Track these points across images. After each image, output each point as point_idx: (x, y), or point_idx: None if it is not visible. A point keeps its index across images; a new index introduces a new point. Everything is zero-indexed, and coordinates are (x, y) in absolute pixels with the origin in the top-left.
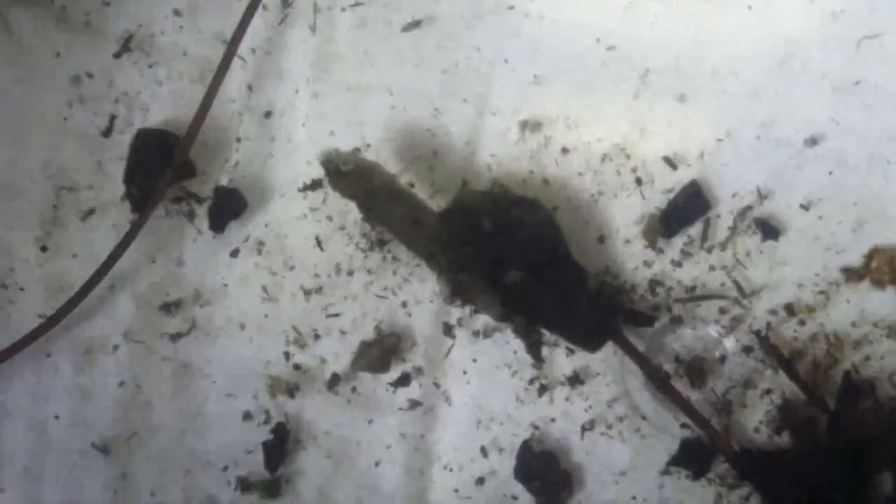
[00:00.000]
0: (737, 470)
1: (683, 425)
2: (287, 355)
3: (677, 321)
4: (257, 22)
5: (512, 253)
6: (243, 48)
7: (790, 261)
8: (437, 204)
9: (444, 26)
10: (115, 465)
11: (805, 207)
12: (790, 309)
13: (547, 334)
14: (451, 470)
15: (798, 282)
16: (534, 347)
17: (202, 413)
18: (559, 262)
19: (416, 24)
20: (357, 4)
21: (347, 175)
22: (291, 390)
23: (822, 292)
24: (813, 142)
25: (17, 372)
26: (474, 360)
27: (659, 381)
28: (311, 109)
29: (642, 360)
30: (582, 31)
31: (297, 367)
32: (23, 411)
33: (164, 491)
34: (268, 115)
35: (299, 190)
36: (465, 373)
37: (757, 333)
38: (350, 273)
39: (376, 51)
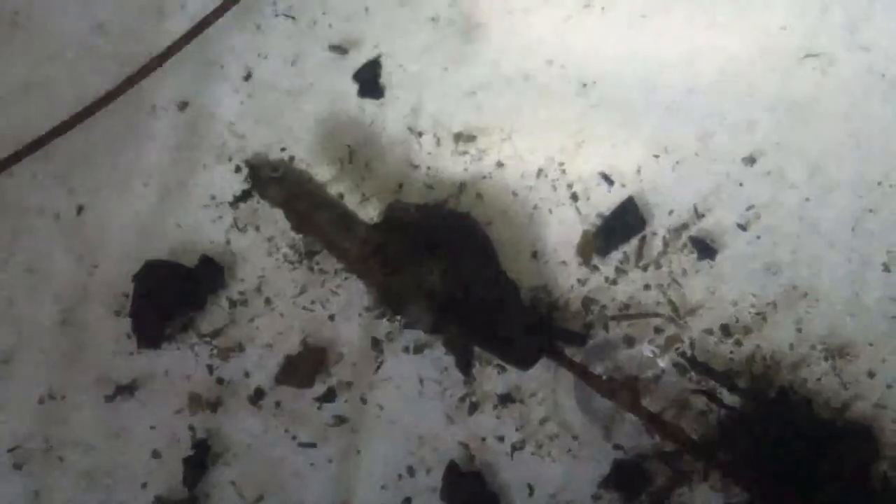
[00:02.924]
0: (701, 458)
1: (616, 446)
2: (210, 368)
3: (611, 340)
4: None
5: (443, 267)
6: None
7: (727, 280)
8: (367, 214)
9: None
10: (28, 480)
11: (742, 227)
12: (726, 329)
13: (478, 351)
14: (377, 489)
15: (735, 301)
16: (464, 363)
17: (121, 427)
18: (491, 278)
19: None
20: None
21: (276, 182)
22: (213, 405)
23: (758, 313)
24: (751, 160)
25: None
26: (403, 377)
27: (605, 390)
28: (240, 113)
29: (583, 372)
30: (519, 43)
31: (219, 380)
32: None
33: None
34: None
35: (230, 203)
36: (393, 389)
37: (683, 355)
38: (277, 285)
39: (307, 54)
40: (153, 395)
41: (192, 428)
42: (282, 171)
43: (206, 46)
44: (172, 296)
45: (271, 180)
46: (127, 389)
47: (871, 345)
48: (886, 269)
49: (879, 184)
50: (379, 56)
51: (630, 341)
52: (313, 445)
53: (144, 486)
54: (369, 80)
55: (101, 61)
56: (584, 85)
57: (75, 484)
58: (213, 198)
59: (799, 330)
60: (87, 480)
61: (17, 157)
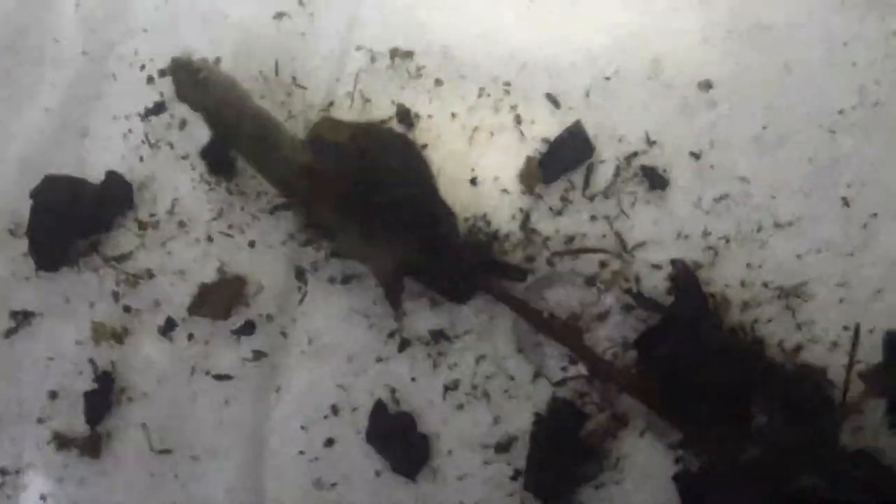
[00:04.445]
0: (644, 400)
1: (557, 383)
2: (116, 295)
3: (553, 275)
4: None
5: (374, 189)
6: None
7: (677, 212)
8: (294, 131)
9: None
10: None
11: (696, 155)
12: (675, 263)
13: (410, 283)
14: (297, 429)
15: (685, 235)
16: (394, 295)
17: (16, 357)
18: (426, 204)
19: None
20: None
21: (200, 84)
22: (119, 335)
23: (709, 247)
24: (707, 85)
25: None
26: (328, 310)
27: (546, 329)
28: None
29: (522, 308)
30: None
31: (126, 309)
32: None
33: None
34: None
35: (141, 117)
36: (317, 323)
37: (628, 291)
38: (191, 207)
39: None
40: (52, 324)
41: (92, 361)
42: (205, 73)
43: None
44: (75, 214)
45: (194, 83)
46: (23, 316)
47: (826, 284)
48: (845, 203)
49: (840, 112)
50: None
51: (573, 276)
52: (229, 378)
53: (40, 420)
54: None
55: None
56: (528, 5)
57: None
58: (123, 110)
59: (750, 266)
60: None
61: None
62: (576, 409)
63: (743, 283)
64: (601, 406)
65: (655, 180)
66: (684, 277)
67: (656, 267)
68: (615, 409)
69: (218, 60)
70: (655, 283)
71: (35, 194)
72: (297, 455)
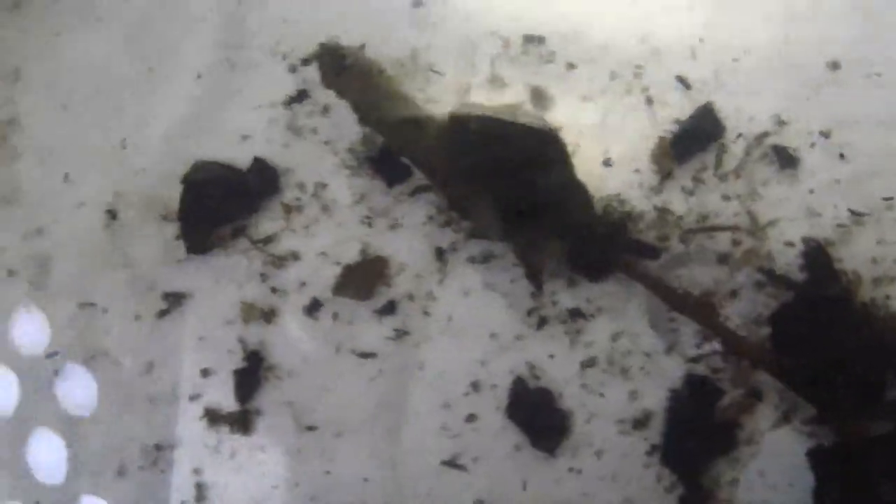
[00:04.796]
0: (778, 376)
1: (691, 360)
2: (263, 277)
3: (687, 253)
4: None
5: (511, 171)
6: None
7: (808, 190)
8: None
9: None
10: (69, 390)
11: (825, 135)
12: (808, 242)
13: (547, 262)
14: (439, 406)
15: (816, 213)
16: (534, 272)
17: (168, 338)
18: (562, 184)
19: None
20: None
21: (347, 70)
22: (267, 315)
23: (840, 225)
24: (835, 65)
25: None
26: (468, 289)
27: (680, 305)
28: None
29: (656, 286)
30: None
31: (273, 290)
32: None
33: (120, 419)
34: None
35: (285, 104)
36: (457, 302)
37: (761, 269)
38: (334, 191)
39: None
40: (202, 305)
41: (241, 340)
42: (351, 59)
43: None
44: (223, 199)
45: (341, 69)
46: (174, 297)
47: None
48: None
49: None
50: None
51: (706, 254)
52: (372, 356)
53: (193, 398)
54: None
55: None
56: None
57: (119, 396)
58: (267, 98)
59: (882, 243)
60: (131, 392)
61: None
62: (711, 384)
63: (874, 260)
64: (736, 382)
65: (786, 159)
66: (816, 255)
67: (788, 244)
68: (749, 384)
69: (362, 47)
70: (788, 261)
71: (185, 180)
72: (438, 430)
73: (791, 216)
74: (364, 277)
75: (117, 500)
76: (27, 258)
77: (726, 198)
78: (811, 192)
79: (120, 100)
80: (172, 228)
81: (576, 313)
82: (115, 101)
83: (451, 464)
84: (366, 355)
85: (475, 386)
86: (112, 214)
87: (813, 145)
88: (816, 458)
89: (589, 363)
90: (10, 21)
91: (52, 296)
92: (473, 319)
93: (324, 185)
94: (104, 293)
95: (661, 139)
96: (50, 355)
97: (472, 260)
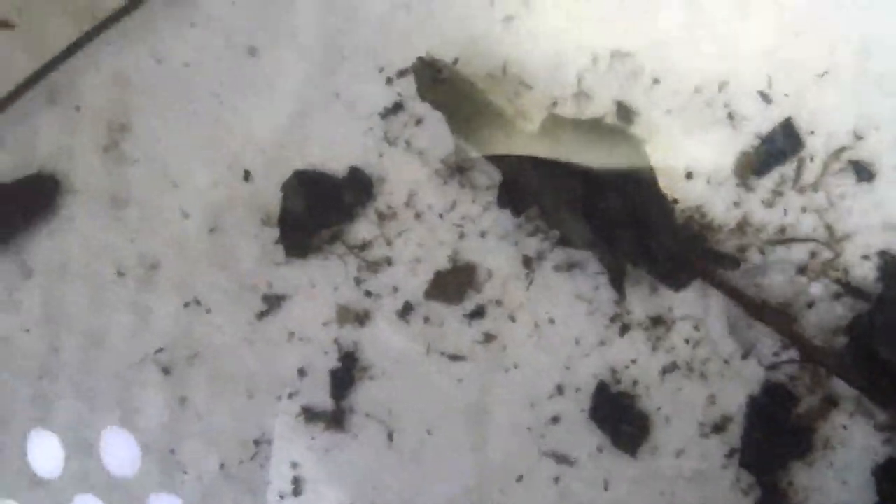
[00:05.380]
0: (853, 384)
1: (769, 367)
2: (357, 281)
3: (765, 264)
4: None
5: (597, 182)
6: None
7: (885, 204)
8: (523, 127)
9: None
10: (176, 385)
11: None
12: (884, 255)
13: (630, 271)
14: (524, 407)
15: (893, 227)
16: (617, 281)
17: (268, 337)
18: (646, 196)
19: None
20: None
21: (442, 83)
22: (361, 318)
23: None
24: None
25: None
26: (553, 295)
27: (758, 314)
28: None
29: (736, 294)
30: None
31: (367, 293)
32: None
33: (221, 415)
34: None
35: (381, 116)
36: (543, 307)
37: (837, 280)
38: (427, 199)
39: None
40: (300, 306)
41: (336, 341)
42: (446, 73)
43: None
44: (321, 206)
45: (436, 81)
46: (274, 299)
47: None
48: None
49: None
50: None
51: (785, 265)
52: (461, 358)
53: (290, 396)
54: None
55: None
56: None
57: (220, 392)
58: (364, 109)
59: None
60: (232, 389)
61: None
62: (788, 391)
63: None
64: (812, 389)
65: (863, 173)
66: (891, 267)
67: (865, 257)
68: (826, 391)
69: (456, 61)
70: (864, 273)
71: (285, 187)
72: (524, 431)
73: (867, 229)
74: (454, 283)
75: (217, 492)
76: (136, 259)
77: (805, 210)
78: (888, 205)
79: (224, 110)
80: (273, 233)
81: (657, 320)
82: (220, 111)
83: (555, 455)
84: (455, 357)
85: (560, 388)
86: (216, 219)
87: (890, 160)
88: (879, 474)
89: (669, 368)
90: (122, 28)
91: (158, 295)
92: (558, 325)
93: (416, 194)
94: (207, 293)
95: (742, 153)
96: (156, 352)
97: (557, 268)
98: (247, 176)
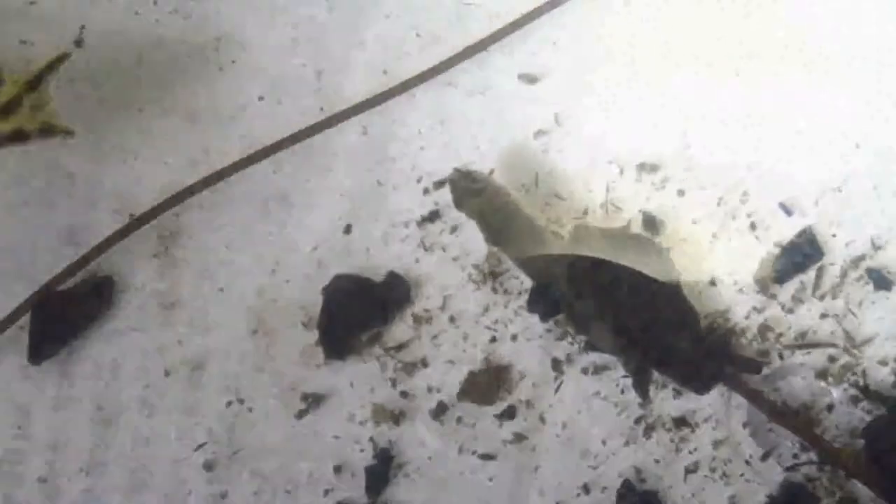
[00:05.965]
0: (871, 486)
1: (789, 468)
2: (393, 382)
3: (785, 368)
4: None
5: (625, 288)
6: None
7: None
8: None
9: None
10: (217, 481)
11: None
12: None
13: (655, 375)
14: None
15: None
16: (642, 384)
17: (306, 435)
18: (671, 302)
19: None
20: None
21: (477, 194)
22: (396, 417)
23: None
24: None
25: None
26: (581, 397)
27: (779, 417)
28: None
29: (757, 398)
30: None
31: (403, 394)
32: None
33: None
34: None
35: (418, 224)
36: (571, 409)
37: (856, 385)
38: (461, 304)
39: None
40: (338, 406)
41: (372, 440)
42: (482, 183)
43: None
44: (360, 309)
45: (471, 192)
46: (313, 399)
47: None
48: None
49: None
50: None
51: (804, 369)
52: (492, 458)
53: (327, 493)
54: None
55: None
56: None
57: (260, 487)
58: (402, 217)
59: None
60: (271, 485)
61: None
62: (807, 492)
63: None
64: (831, 490)
65: (881, 281)
66: None
67: (882, 363)
68: (844, 493)
69: (491, 172)
70: (882, 377)
71: (326, 291)
72: None
73: (885, 335)
74: (487, 384)
75: None
76: (183, 359)
77: (824, 316)
78: None
79: (270, 222)
80: (313, 335)
81: (681, 422)
82: (265, 223)
83: None
84: (486, 457)
85: (586, 488)
86: (259, 322)
87: None
88: None
89: (692, 468)
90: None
91: (204, 394)
92: (586, 426)
93: (451, 298)
94: (250, 393)
95: (764, 261)
96: (199, 446)
97: (585, 371)
98: (289, 281)
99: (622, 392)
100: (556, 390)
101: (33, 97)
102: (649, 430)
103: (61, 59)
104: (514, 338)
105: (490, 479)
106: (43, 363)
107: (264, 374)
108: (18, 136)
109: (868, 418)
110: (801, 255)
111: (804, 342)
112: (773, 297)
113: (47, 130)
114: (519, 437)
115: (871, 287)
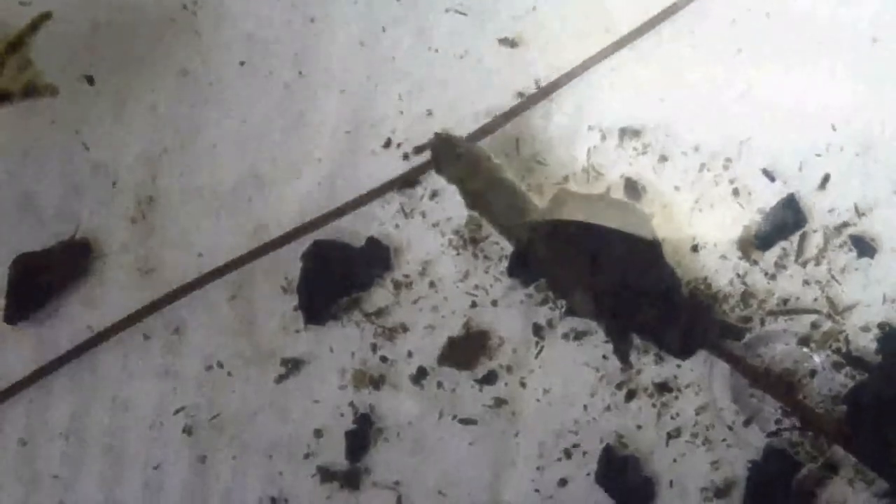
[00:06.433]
0: (853, 451)
1: (771, 434)
2: (374, 347)
3: (768, 334)
4: None
5: (605, 253)
6: None
7: (885, 279)
8: (535, 201)
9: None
10: (196, 445)
11: None
12: (883, 327)
13: (637, 340)
14: (533, 470)
15: (893, 299)
16: (623, 351)
17: (286, 400)
18: (653, 267)
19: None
20: None
21: (459, 158)
22: (377, 382)
23: None
24: None
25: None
26: (562, 363)
27: (761, 383)
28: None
29: (739, 364)
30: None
31: (383, 359)
32: (109, 388)
33: (240, 474)
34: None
35: (397, 189)
36: (552, 374)
37: (838, 351)
38: (441, 269)
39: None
40: (318, 371)
41: (353, 405)
42: (462, 149)
43: None
44: (339, 275)
45: (452, 157)
46: (293, 364)
47: None
48: None
49: None
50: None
51: (787, 336)
52: (474, 422)
53: (306, 457)
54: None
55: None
56: (748, 87)
57: (239, 452)
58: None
59: None
60: (250, 449)
61: None
62: (789, 457)
63: None
64: (813, 455)
65: (864, 249)
66: (890, 338)
67: (864, 329)
68: (826, 458)
69: (471, 138)
70: (864, 344)
71: (305, 257)
72: (532, 493)
73: (867, 302)
74: (467, 349)
75: None
76: (161, 325)
77: (807, 283)
78: (887, 279)
79: (247, 186)
80: (292, 300)
81: (663, 387)
82: (244, 188)
83: None
84: (466, 421)
85: (567, 453)
86: (238, 287)
87: (890, 236)
88: None
89: (674, 434)
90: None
91: (182, 359)
92: (567, 391)
93: (431, 264)
94: (230, 357)
95: (747, 227)
96: (177, 411)
97: (566, 336)
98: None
99: (603, 357)
100: (537, 355)
101: (16, 58)
102: (631, 396)
103: (43, 18)
104: (494, 303)
105: (470, 444)
106: (19, 324)
107: (243, 339)
108: (2, 97)
109: (850, 384)
110: (784, 221)
111: (787, 308)
112: (756, 263)
113: (31, 90)
114: (499, 403)
115: (854, 254)
